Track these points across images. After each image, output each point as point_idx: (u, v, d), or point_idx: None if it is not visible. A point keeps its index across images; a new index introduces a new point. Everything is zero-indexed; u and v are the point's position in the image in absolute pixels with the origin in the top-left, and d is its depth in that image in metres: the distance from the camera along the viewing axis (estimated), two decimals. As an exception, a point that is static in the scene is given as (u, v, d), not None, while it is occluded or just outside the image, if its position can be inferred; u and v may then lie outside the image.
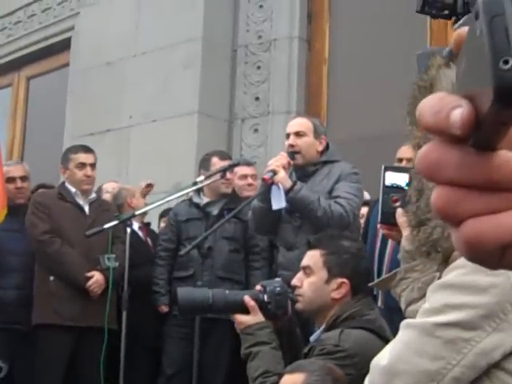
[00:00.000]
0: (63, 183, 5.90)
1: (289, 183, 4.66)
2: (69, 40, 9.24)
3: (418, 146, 1.42)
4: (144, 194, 6.29)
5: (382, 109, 7.05)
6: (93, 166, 5.85)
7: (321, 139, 4.97)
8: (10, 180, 6.07)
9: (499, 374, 1.33)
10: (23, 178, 6.16)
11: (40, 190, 6.37)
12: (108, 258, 5.43)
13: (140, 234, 6.09)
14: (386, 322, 3.18)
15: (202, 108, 7.37)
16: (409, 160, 5.14)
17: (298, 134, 4.91)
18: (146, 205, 5.83)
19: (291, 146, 4.89)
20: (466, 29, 0.59)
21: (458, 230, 0.57)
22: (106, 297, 5.52)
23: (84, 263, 5.62)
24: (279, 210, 4.79)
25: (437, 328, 1.33)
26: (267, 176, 4.69)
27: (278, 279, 3.36)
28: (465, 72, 0.58)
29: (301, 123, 5.01)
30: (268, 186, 4.70)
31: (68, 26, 9.30)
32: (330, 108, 7.41)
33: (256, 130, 7.42)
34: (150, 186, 6.29)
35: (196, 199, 5.73)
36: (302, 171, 4.93)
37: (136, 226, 5.99)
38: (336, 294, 3.13)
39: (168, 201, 5.26)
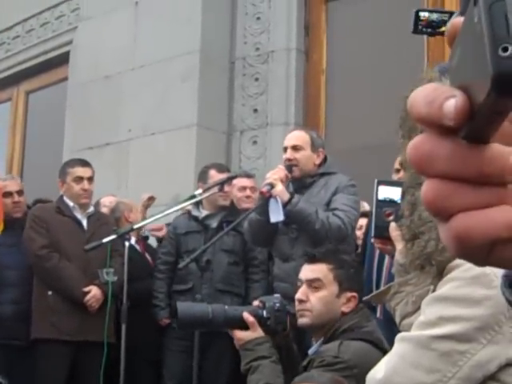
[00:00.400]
0: (61, 197, 5.89)
1: (286, 196, 4.65)
2: (67, 54, 9.25)
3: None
4: (146, 207, 6.29)
5: (379, 119, 7.05)
6: (90, 179, 5.85)
7: (318, 152, 4.97)
8: (7, 194, 6.08)
9: (495, 385, 1.33)
10: (19, 192, 6.18)
11: (38, 205, 6.37)
12: (107, 273, 5.43)
13: (137, 247, 6.09)
14: (386, 334, 3.19)
15: (200, 120, 7.37)
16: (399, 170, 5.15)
17: (295, 148, 4.91)
18: (145, 218, 5.82)
19: (288, 159, 4.89)
20: (460, 18, 0.57)
21: (447, 225, 0.56)
22: (105, 311, 5.51)
23: (82, 278, 5.61)
24: (276, 223, 4.79)
25: (432, 341, 1.33)
26: (265, 189, 4.69)
27: (276, 295, 3.33)
28: (459, 62, 0.57)
29: (298, 137, 5.01)
30: (266, 198, 4.70)
31: (66, 41, 9.32)
32: (328, 118, 7.42)
33: (255, 142, 7.42)
34: (151, 198, 6.29)
35: (195, 212, 5.73)
36: (299, 183, 4.93)
37: (133, 240, 5.99)
38: (345, 308, 3.15)
39: (167, 214, 5.25)
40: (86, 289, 5.57)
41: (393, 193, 1.84)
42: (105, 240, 4.95)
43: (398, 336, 1.42)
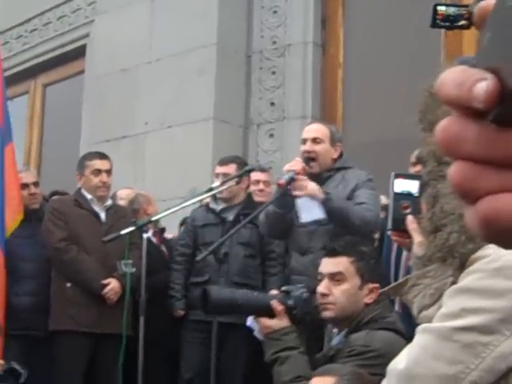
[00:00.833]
0: (79, 190, 5.91)
1: (322, 194, 4.64)
2: (84, 47, 9.29)
3: (432, 153, 1.43)
4: None
5: (396, 113, 7.04)
6: (108, 172, 5.87)
7: (336, 146, 4.96)
8: (24, 186, 6.12)
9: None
10: (35, 184, 6.21)
11: (56, 197, 6.40)
12: (125, 264, 5.44)
13: (154, 240, 6.11)
14: (404, 327, 3.19)
15: (217, 114, 7.38)
16: (417, 163, 5.15)
17: (314, 141, 4.90)
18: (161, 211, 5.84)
19: (307, 151, 4.88)
20: (489, 2, 0.56)
21: (475, 207, 0.55)
22: (123, 303, 5.53)
23: (100, 270, 5.64)
24: (291, 213, 4.81)
25: (454, 332, 1.34)
26: (282, 180, 4.69)
27: (301, 284, 3.30)
28: (490, 45, 0.56)
29: (318, 129, 5.00)
30: (283, 190, 4.71)
31: (83, 34, 9.36)
32: (345, 112, 7.41)
33: (272, 135, 7.43)
34: None
35: (212, 205, 5.75)
36: (316, 177, 4.92)
37: (150, 232, 6.01)
38: (368, 299, 3.15)
39: (183, 207, 5.26)
40: (105, 281, 5.60)
41: (410, 186, 1.84)
42: (123, 232, 4.96)
43: (420, 327, 1.43)
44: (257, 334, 5.49)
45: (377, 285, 3.17)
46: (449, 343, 1.35)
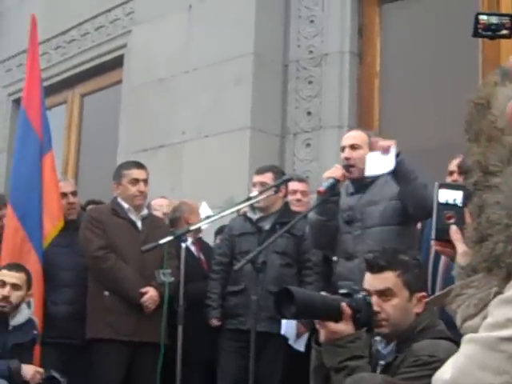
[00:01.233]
0: (115, 199, 5.95)
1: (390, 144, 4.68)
2: (121, 57, 9.36)
3: (477, 163, 1.43)
4: None
5: (433, 122, 7.02)
6: (145, 181, 5.91)
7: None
8: (62, 196, 6.18)
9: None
10: (73, 193, 6.29)
11: (92, 206, 6.44)
12: (163, 274, 5.46)
13: (193, 249, 6.13)
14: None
15: (254, 123, 7.40)
16: (460, 173, 5.14)
17: (352, 147, 4.93)
18: (200, 220, 5.87)
19: (346, 158, 4.90)
20: None
21: None
22: (160, 312, 5.54)
23: (138, 279, 5.67)
24: (334, 220, 4.81)
25: (500, 342, 1.33)
26: (322, 188, 4.72)
27: (356, 287, 3.21)
28: None
29: (356, 136, 5.03)
30: (323, 197, 4.74)
31: (120, 44, 9.43)
32: (382, 122, 7.39)
33: (308, 145, 7.43)
34: None
35: (250, 214, 5.76)
36: (360, 183, 4.94)
37: (189, 241, 6.05)
38: (418, 309, 3.13)
39: (222, 216, 5.28)
40: (143, 290, 5.63)
41: (453, 196, 1.84)
42: (162, 241, 4.99)
43: (466, 337, 1.43)
44: (292, 343, 5.50)
45: (424, 293, 3.15)
46: (495, 353, 1.35)
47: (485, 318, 1.46)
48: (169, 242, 5.11)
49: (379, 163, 4.69)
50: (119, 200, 5.90)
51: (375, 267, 3.18)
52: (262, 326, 5.30)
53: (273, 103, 7.59)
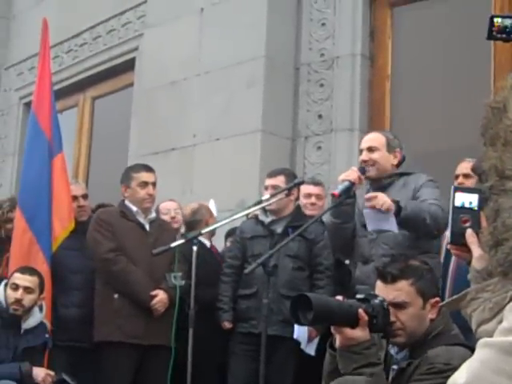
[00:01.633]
0: (123, 201, 5.95)
1: (391, 205, 4.66)
2: (133, 60, 9.38)
3: (494, 167, 1.42)
4: None
5: (445, 125, 7.00)
6: (154, 184, 5.92)
7: (395, 152, 4.99)
8: (73, 199, 6.20)
9: None
10: (84, 197, 6.31)
11: (102, 209, 6.46)
12: (174, 277, 5.46)
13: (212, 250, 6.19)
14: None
15: (265, 126, 7.39)
16: (466, 176, 5.16)
17: (370, 149, 4.95)
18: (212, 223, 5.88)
19: (364, 161, 4.91)
20: None
21: None
22: (171, 315, 5.55)
23: (148, 282, 5.67)
24: (351, 223, 4.86)
25: (516, 347, 1.33)
26: (336, 191, 4.72)
27: (372, 292, 3.16)
28: None
29: (373, 138, 5.04)
30: (338, 200, 4.74)
31: (132, 47, 9.45)
32: (394, 124, 7.37)
33: (319, 148, 7.42)
34: None
35: (262, 217, 5.76)
36: (378, 184, 4.95)
37: (208, 244, 6.09)
38: (432, 315, 3.11)
39: (233, 219, 5.28)
40: (153, 292, 5.63)
41: (469, 199, 1.83)
42: (173, 244, 4.99)
43: (481, 341, 1.42)
44: (304, 347, 5.50)
45: (437, 298, 3.13)
46: (510, 358, 1.34)
47: (500, 322, 1.45)
48: (182, 245, 5.12)
49: (379, 218, 4.70)
50: (127, 203, 5.90)
51: (388, 277, 3.15)
52: (273, 329, 5.30)
53: (284, 106, 7.59)
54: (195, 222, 6.23)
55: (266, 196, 5.39)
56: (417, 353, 3.04)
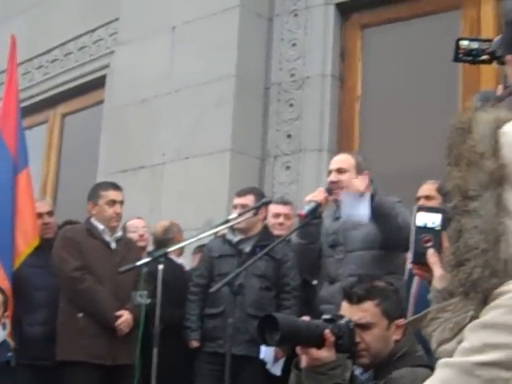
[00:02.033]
0: (89, 219, 5.91)
1: (364, 187, 4.68)
2: (104, 78, 9.36)
3: (457, 187, 1.43)
4: None
5: (414, 147, 7.04)
6: (122, 203, 5.88)
7: (363, 175, 4.98)
8: (38, 216, 6.14)
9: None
10: (50, 213, 6.25)
11: (68, 226, 6.41)
12: (140, 295, 5.44)
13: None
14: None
15: (234, 145, 7.40)
16: (427, 197, 5.21)
17: (339, 171, 4.92)
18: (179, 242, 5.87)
19: (332, 182, 4.89)
20: None
21: None
22: (135, 334, 5.51)
23: (114, 301, 5.62)
24: (317, 243, 4.80)
25: (476, 367, 1.33)
26: (303, 211, 4.72)
27: (340, 313, 3.14)
28: None
29: (343, 160, 5.02)
30: (305, 221, 4.74)
31: (103, 64, 9.44)
32: (362, 146, 7.40)
33: (288, 168, 7.43)
34: None
35: (229, 236, 5.75)
36: None
37: (178, 261, 6.11)
38: (397, 336, 3.09)
39: (200, 238, 5.27)
40: (118, 313, 5.58)
41: (431, 219, 1.84)
42: (139, 263, 4.96)
43: (441, 361, 1.42)
44: (270, 367, 5.48)
45: (402, 319, 3.12)
46: (470, 378, 1.34)
47: (460, 342, 1.45)
48: (147, 263, 5.09)
49: (354, 205, 4.70)
50: (93, 221, 5.85)
51: (354, 298, 3.13)
52: (239, 349, 5.28)
53: (254, 125, 7.60)
54: (167, 239, 6.23)
55: (233, 215, 5.38)
56: (381, 374, 3.02)
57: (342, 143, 7.41)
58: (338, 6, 7.62)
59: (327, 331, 2.89)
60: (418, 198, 5.34)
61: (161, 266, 5.04)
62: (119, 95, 8.68)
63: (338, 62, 7.59)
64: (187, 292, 5.85)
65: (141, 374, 5.40)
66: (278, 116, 7.60)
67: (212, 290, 5.05)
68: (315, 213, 4.79)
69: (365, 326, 3.07)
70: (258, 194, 5.82)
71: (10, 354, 5.51)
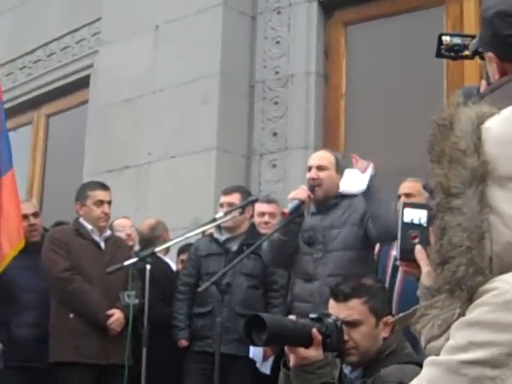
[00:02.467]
0: (78, 219, 5.90)
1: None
2: (88, 78, 9.33)
3: (440, 185, 1.42)
4: None
5: (399, 143, 7.05)
6: (109, 203, 5.87)
7: (342, 173, 4.98)
8: (24, 217, 6.11)
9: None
10: (35, 215, 6.21)
11: (56, 227, 6.38)
12: (128, 295, 5.43)
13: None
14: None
15: (220, 144, 7.39)
16: (407, 195, 5.25)
17: (319, 168, 4.93)
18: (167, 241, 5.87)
19: (312, 179, 4.90)
20: None
21: None
22: (126, 334, 5.50)
23: (104, 301, 5.62)
24: (296, 240, 4.81)
25: (462, 366, 1.32)
26: (287, 209, 4.72)
27: (326, 311, 3.14)
28: None
29: (323, 157, 5.03)
30: (288, 219, 4.74)
31: (87, 64, 9.41)
32: (348, 143, 7.41)
33: (274, 166, 7.43)
34: None
35: (216, 234, 5.74)
36: (322, 204, 4.94)
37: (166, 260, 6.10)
38: (385, 333, 3.09)
39: (187, 237, 5.26)
40: (109, 312, 5.58)
41: (419, 215, 1.84)
42: (126, 263, 4.96)
43: (428, 360, 1.42)
44: (259, 366, 5.48)
45: (390, 317, 3.12)
46: (456, 377, 1.34)
47: (448, 339, 1.45)
48: (135, 263, 5.09)
49: (355, 181, 4.72)
50: (82, 221, 5.85)
51: (340, 296, 3.13)
52: (228, 348, 5.28)
53: (239, 124, 7.59)
54: (154, 238, 6.23)
55: (220, 214, 5.37)
56: (370, 372, 3.02)
57: (327, 140, 7.41)
58: (321, 3, 7.63)
59: (314, 330, 2.90)
60: (399, 196, 5.38)
61: (148, 267, 5.03)
62: (103, 95, 8.65)
63: (322, 60, 7.59)
64: (175, 291, 5.85)
65: (131, 373, 5.40)
66: (263, 114, 7.60)
67: (200, 289, 5.06)
68: (298, 210, 4.80)
69: (352, 324, 3.07)
70: (245, 192, 5.82)
71: (-4, 357, 5.50)
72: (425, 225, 1.79)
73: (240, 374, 5.45)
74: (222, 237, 5.72)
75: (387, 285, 5.02)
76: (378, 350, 3.07)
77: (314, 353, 2.89)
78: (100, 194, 5.85)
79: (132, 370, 5.44)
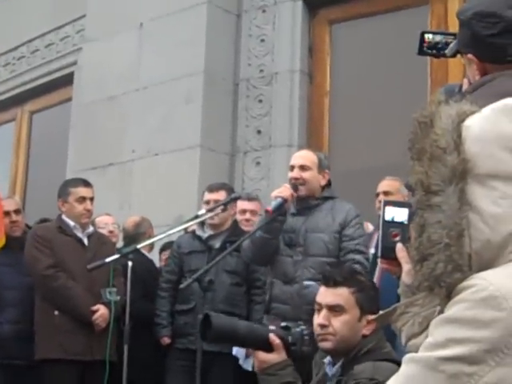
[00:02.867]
0: (60, 216, 5.88)
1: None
2: (71, 75, 9.31)
3: (420, 182, 1.43)
4: None
5: (382, 141, 7.07)
6: (92, 199, 5.86)
7: (324, 173, 4.99)
8: (5, 214, 6.08)
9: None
10: (17, 212, 6.17)
11: (38, 224, 6.36)
12: (109, 292, 5.42)
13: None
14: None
15: (203, 141, 7.39)
16: (386, 193, 5.28)
17: (302, 168, 4.93)
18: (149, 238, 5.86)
19: (295, 178, 4.90)
20: None
21: None
22: (109, 330, 5.50)
23: (89, 297, 5.61)
24: (278, 238, 4.84)
25: (440, 362, 1.33)
26: (270, 207, 4.73)
27: (300, 322, 3.24)
28: None
29: (306, 156, 5.03)
30: (271, 217, 4.74)
31: (71, 61, 9.39)
32: (332, 141, 7.43)
33: (258, 163, 7.44)
34: None
35: (199, 232, 5.74)
36: (304, 204, 4.94)
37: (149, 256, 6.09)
38: (366, 331, 3.11)
39: (170, 234, 5.25)
40: (94, 307, 5.57)
41: (399, 213, 1.84)
42: (108, 259, 4.95)
43: (406, 357, 1.42)
44: (242, 362, 5.49)
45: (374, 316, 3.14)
46: (434, 373, 1.35)
47: (428, 336, 1.46)
48: (117, 260, 5.08)
49: None
50: (64, 217, 5.83)
51: (331, 281, 3.17)
52: (211, 345, 5.27)
53: (223, 122, 7.59)
54: (138, 234, 6.23)
55: (203, 211, 5.36)
56: (347, 369, 3.04)
57: (311, 139, 7.43)
58: (305, 1, 7.63)
59: (271, 335, 2.93)
60: (377, 194, 5.40)
61: (130, 263, 5.03)
62: (87, 92, 8.63)
63: (306, 58, 7.60)
64: (157, 288, 5.85)
65: (115, 369, 5.39)
66: (248, 112, 7.60)
67: (182, 286, 5.05)
68: (281, 209, 4.80)
69: (335, 310, 3.10)
70: (230, 189, 5.82)
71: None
72: (405, 223, 1.80)
73: (222, 370, 5.45)
74: (205, 234, 5.72)
75: None
76: (356, 347, 3.08)
77: (273, 356, 2.93)
78: (82, 191, 5.84)
79: (116, 366, 5.43)
